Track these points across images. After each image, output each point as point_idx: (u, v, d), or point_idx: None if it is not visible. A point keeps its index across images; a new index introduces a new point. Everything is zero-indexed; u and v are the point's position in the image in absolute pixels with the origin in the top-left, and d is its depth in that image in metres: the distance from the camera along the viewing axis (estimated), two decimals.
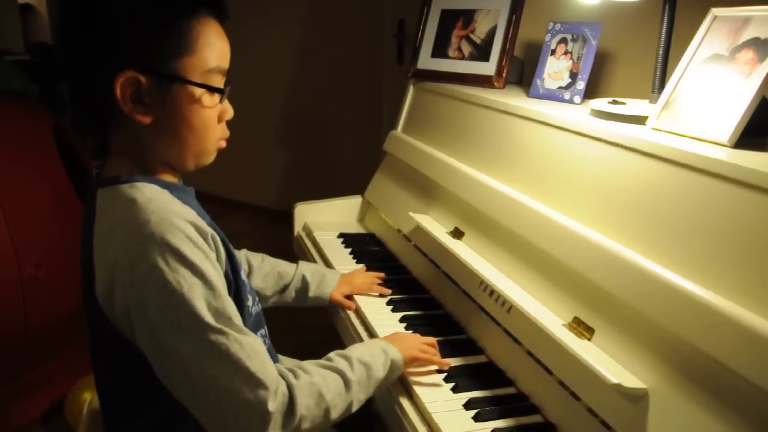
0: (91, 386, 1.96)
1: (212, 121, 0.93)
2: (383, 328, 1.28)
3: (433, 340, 1.18)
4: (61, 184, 2.13)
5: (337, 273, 1.45)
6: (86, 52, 0.87)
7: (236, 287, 0.95)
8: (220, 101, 0.92)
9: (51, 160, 2.13)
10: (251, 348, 0.83)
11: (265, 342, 1.06)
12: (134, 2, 0.85)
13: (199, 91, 0.89)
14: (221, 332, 0.82)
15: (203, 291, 0.82)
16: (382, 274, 1.50)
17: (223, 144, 0.97)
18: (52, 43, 4.14)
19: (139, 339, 0.84)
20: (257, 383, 0.82)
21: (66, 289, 2.05)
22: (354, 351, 1.02)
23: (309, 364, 0.95)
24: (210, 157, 0.96)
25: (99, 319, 0.88)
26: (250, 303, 1.01)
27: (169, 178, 0.95)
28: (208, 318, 0.82)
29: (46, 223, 2.02)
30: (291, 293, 1.38)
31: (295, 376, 0.89)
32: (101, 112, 0.90)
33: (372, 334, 1.28)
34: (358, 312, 1.37)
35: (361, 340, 1.28)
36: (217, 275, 0.85)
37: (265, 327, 1.09)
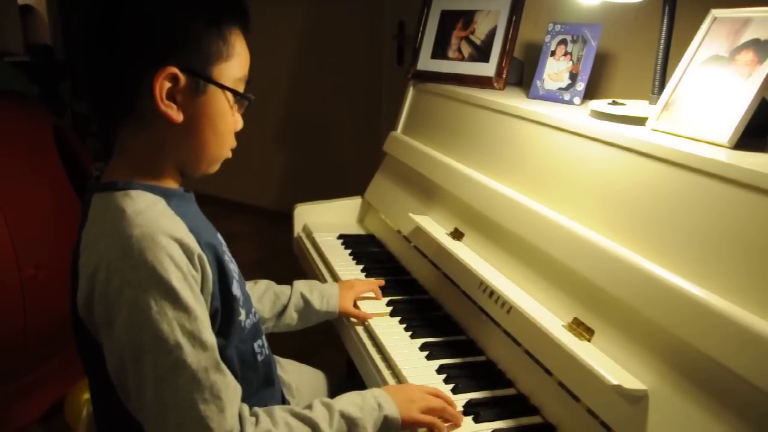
0: None
1: (233, 128, 0.94)
2: (384, 329, 1.28)
3: (442, 394, 1.05)
4: (60, 185, 2.13)
5: (335, 284, 1.40)
6: (123, 44, 0.85)
7: (226, 303, 0.92)
8: (246, 109, 0.94)
9: (51, 161, 2.13)
10: (214, 387, 0.81)
11: (262, 353, 1.03)
12: (183, 5, 0.85)
13: (230, 97, 0.90)
14: (190, 357, 0.80)
15: (175, 314, 0.80)
16: (382, 282, 1.45)
17: (230, 154, 0.97)
18: (52, 43, 4.15)
19: (106, 355, 0.83)
20: (206, 430, 0.80)
21: (66, 290, 2.04)
22: (343, 400, 0.94)
23: (280, 411, 0.89)
24: (217, 166, 0.96)
25: (81, 329, 0.88)
26: (243, 317, 0.96)
27: (171, 184, 0.93)
28: (179, 340, 0.79)
29: (46, 224, 2.02)
30: (292, 314, 1.30)
31: (257, 422, 0.85)
32: (120, 107, 0.88)
33: (371, 335, 1.28)
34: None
35: (360, 340, 1.28)
36: (195, 299, 0.82)
37: (263, 338, 1.06)
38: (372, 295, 1.42)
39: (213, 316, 0.88)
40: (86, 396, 1.87)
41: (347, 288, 1.38)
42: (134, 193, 0.86)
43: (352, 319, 1.35)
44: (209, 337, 0.83)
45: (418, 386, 1.05)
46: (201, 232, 0.90)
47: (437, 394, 1.03)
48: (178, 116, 0.86)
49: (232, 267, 0.97)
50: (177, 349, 0.79)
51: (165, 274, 0.79)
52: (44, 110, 2.32)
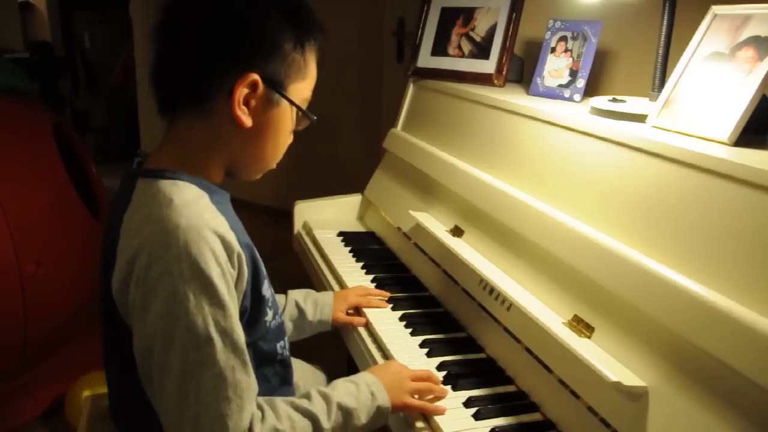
0: (91, 384, 1.97)
1: (288, 143, 0.98)
2: (384, 326, 1.28)
3: (428, 374, 1.08)
4: (60, 182, 2.13)
5: (329, 293, 1.37)
6: (216, 42, 0.86)
7: (255, 302, 0.93)
8: (305, 129, 0.98)
9: (51, 158, 2.13)
10: (238, 386, 0.82)
11: (283, 354, 1.04)
12: (276, 16, 0.88)
13: (296, 115, 0.94)
14: (220, 353, 0.81)
15: (211, 309, 0.81)
16: (384, 293, 1.41)
17: (275, 166, 1.00)
18: (52, 40, 4.14)
19: (134, 339, 0.84)
20: (223, 427, 0.81)
21: (66, 287, 2.06)
22: (338, 390, 0.96)
23: (282, 404, 0.91)
24: (260, 174, 0.99)
25: (111, 310, 0.88)
26: (269, 317, 0.98)
27: (215, 180, 0.94)
28: (212, 335, 0.80)
29: (46, 221, 2.02)
30: (287, 324, 1.28)
31: (263, 417, 0.86)
32: (192, 99, 0.89)
33: (372, 332, 1.28)
34: (358, 310, 1.37)
35: (360, 338, 1.28)
36: (230, 296, 0.83)
37: (286, 339, 1.06)
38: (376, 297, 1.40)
39: (241, 314, 0.90)
40: (87, 393, 1.88)
41: (341, 299, 1.36)
42: (181, 183, 0.87)
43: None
44: (240, 335, 0.84)
45: (402, 366, 1.08)
46: (238, 230, 0.91)
47: (421, 377, 1.06)
48: (248, 121, 0.89)
49: (263, 268, 0.98)
50: (208, 343, 0.81)
51: (206, 268, 0.80)
52: (44, 107, 2.32)
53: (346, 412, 0.93)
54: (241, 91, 0.87)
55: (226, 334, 0.82)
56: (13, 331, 1.92)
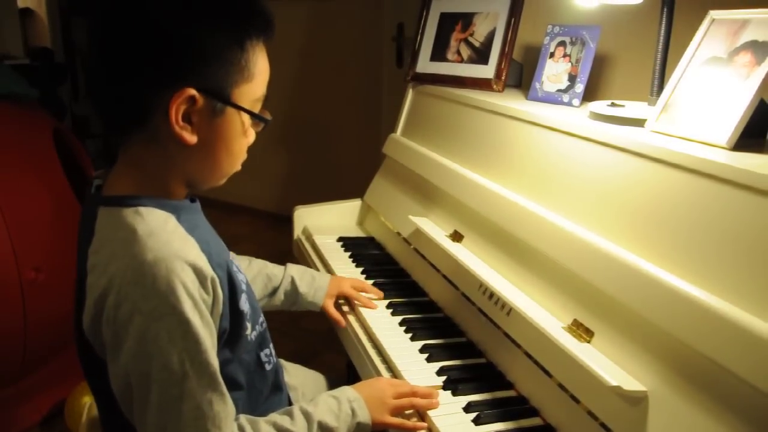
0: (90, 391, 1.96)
1: (246, 147, 0.92)
2: (383, 331, 1.28)
3: (411, 390, 1.07)
4: (60, 188, 2.13)
5: (327, 276, 1.42)
6: (141, 60, 0.80)
7: (234, 320, 0.91)
8: (262, 130, 0.92)
9: (51, 164, 2.13)
10: (216, 418, 0.82)
11: (270, 361, 1.04)
12: (205, 20, 0.81)
13: (246, 119, 0.88)
14: (196, 387, 0.80)
15: (185, 344, 0.79)
16: (379, 292, 1.44)
17: (240, 168, 0.94)
18: (52, 46, 4.15)
19: (110, 376, 0.83)
20: None
21: (65, 293, 2.03)
22: (320, 407, 0.96)
23: (265, 424, 0.90)
24: (225, 179, 0.94)
25: (85, 345, 0.87)
26: (248, 331, 0.96)
27: (178, 196, 0.91)
28: (187, 371, 0.79)
29: (46, 226, 2.02)
30: (280, 296, 1.33)
31: None
32: (132, 121, 0.85)
33: (371, 337, 1.28)
34: (358, 315, 1.37)
35: (360, 342, 1.28)
36: (204, 326, 0.81)
37: (270, 346, 1.06)
38: (376, 298, 1.42)
39: (221, 335, 0.88)
40: (86, 399, 1.87)
41: (334, 285, 1.39)
42: (144, 210, 0.84)
43: (353, 322, 1.35)
44: (215, 364, 0.83)
45: (388, 382, 1.08)
46: (211, 248, 0.88)
47: (405, 393, 1.05)
48: (192, 138, 0.83)
49: (241, 278, 0.97)
50: (185, 379, 0.80)
51: (177, 303, 0.78)
52: (44, 113, 2.32)
53: (327, 430, 0.94)
54: (178, 108, 0.80)
55: (202, 368, 0.81)
56: (13, 337, 1.92)
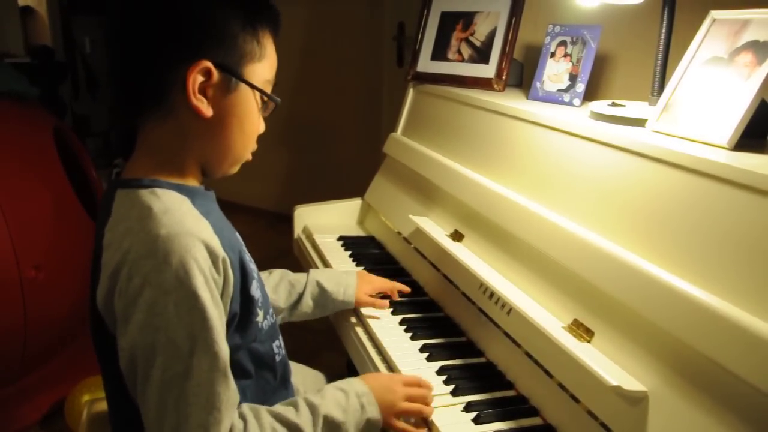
0: (91, 389, 1.96)
1: (258, 130, 0.95)
2: (384, 330, 1.28)
3: (418, 383, 1.05)
4: (61, 186, 2.13)
5: (353, 272, 1.38)
6: (160, 36, 0.85)
7: (245, 304, 0.92)
8: (272, 112, 0.95)
9: (51, 162, 2.14)
10: (218, 399, 0.81)
11: (280, 353, 1.04)
12: (227, 2, 0.87)
13: (258, 98, 0.92)
14: (201, 365, 0.80)
15: (192, 320, 0.79)
16: (405, 287, 1.42)
17: (251, 157, 0.97)
18: (52, 44, 4.15)
19: (119, 351, 0.83)
20: None
21: (66, 291, 2.05)
22: (327, 400, 0.93)
23: (267, 414, 0.89)
24: (237, 167, 0.97)
25: (98, 325, 0.88)
26: (260, 318, 0.96)
27: (194, 182, 0.93)
28: (192, 348, 0.79)
29: (46, 225, 2.02)
30: (308, 302, 1.29)
31: (245, 428, 0.85)
32: (150, 98, 0.88)
33: (372, 336, 1.28)
34: (358, 315, 1.37)
35: (360, 342, 1.28)
36: (214, 304, 0.82)
37: (280, 338, 1.06)
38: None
39: (231, 319, 0.89)
40: (86, 398, 1.88)
41: (366, 281, 1.37)
42: (160, 190, 0.86)
43: (352, 319, 1.35)
44: (222, 345, 0.83)
45: (398, 379, 1.05)
46: (224, 232, 0.90)
47: (415, 399, 1.02)
48: (208, 111, 0.87)
49: (252, 267, 0.97)
50: (189, 356, 0.80)
51: (188, 278, 0.79)
52: (44, 111, 2.32)
53: (334, 426, 0.92)
54: (195, 79, 0.85)
55: (208, 346, 0.81)
56: (13, 336, 1.92)
